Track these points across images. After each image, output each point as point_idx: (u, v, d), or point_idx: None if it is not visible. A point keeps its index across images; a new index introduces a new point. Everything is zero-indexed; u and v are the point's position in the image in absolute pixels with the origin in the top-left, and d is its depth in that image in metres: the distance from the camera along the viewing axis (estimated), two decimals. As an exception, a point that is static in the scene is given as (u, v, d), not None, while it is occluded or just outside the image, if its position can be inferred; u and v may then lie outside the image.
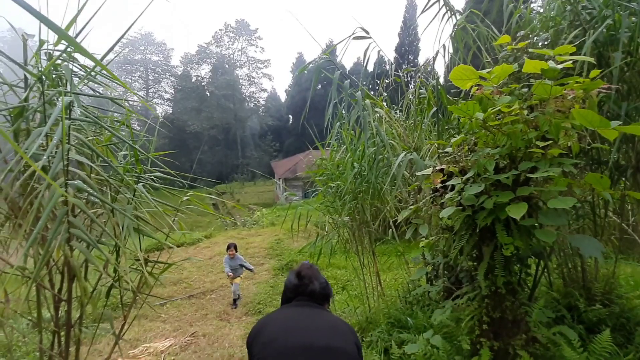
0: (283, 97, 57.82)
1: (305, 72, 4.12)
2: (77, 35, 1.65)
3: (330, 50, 3.30)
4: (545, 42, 2.86)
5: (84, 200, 1.59)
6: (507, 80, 2.30)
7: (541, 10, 3.33)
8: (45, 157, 1.41)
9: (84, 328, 1.85)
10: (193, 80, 50.41)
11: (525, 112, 1.79)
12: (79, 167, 1.60)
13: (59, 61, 1.68)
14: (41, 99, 1.60)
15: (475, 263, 2.33)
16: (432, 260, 3.13)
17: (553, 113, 1.69)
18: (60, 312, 1.86)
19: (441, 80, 4.43)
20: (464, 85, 2.05)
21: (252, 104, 54.11)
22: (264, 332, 1.45)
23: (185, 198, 2.15)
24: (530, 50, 2.05)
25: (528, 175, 1.74)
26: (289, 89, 52.65)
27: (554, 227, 2.04)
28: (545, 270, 3.12)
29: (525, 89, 1.95)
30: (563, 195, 1.71)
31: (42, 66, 1.90)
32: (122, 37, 1.53)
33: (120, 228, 1.62)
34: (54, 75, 1.80)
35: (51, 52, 1.97)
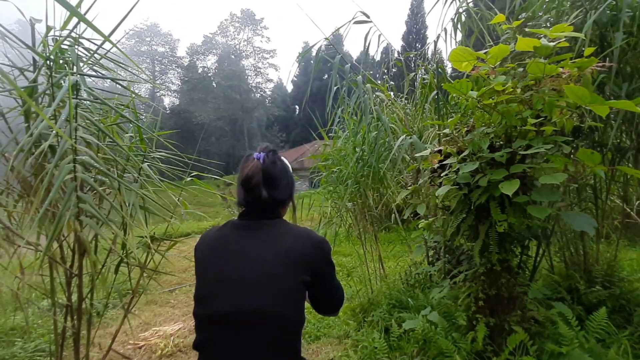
0: (289, 87, 57.66)
1: (311, 61, 4.13)
2: (86, 13, 1.70)
3: (332, 34, 3.32)
4: (548, 24, 2.85)
5: (92, 179, 1.66)
6: (510, 62, 2.32)
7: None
8: (52, 134, 1.48)
9: (95, 302, 1.94)
10: (199, 71, 50.46)
11: (519, 90, 1.82)
12: (86, 146, 1.67)
13: (65, 46, 1.74)
14: (49, 81, 1.67)
15: (472, 243, 2.37)
16: (431, 242, 3.18)
17: (548, 92, 1.71)
18: (72, 287, 1.95)
19: (448, 67, 4.44)
20: (462, 67, 2.07)
21: (259, 94, 54.06)
22: (196, 263, 1.21)
23: (188, 178, 2.22)
24: (526, 29, 2.05)
25: (522, 153, 1.78)
26: (295, 79, 52.40)
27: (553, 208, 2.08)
28: (547, 253, 3.15)
29: (521, 69, 1.97)
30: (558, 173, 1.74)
31: (49, 50, 1.97)
32: (126, 15, 1.58)
33: (127, 205, 1.70)
34: (61, 61, 1.87)
35: (58, 37, 2.03)
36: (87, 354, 2.07)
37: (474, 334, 2.17)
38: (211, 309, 1.11)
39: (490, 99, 1.86)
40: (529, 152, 1.69)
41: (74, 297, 2.00)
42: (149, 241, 1.77)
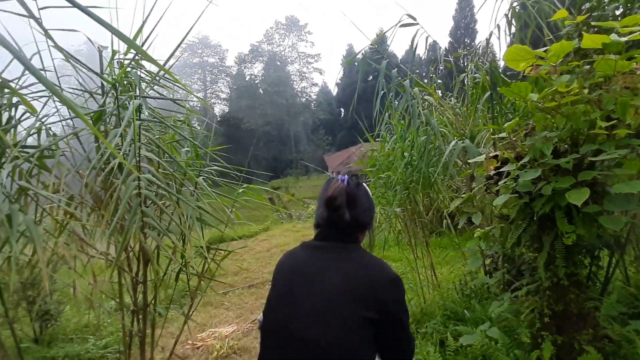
0: (334, 90, 57.92)
1: (355, 63, 4.12)
2: (143, 44, 1.83)
3: (377, 39, 3.28)
4: (617, 14, 2.60)
5: (154, 193, 1.78)
6: (572, 58, 2.14)
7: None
8: (121, 153, 1.60)
9: (158, 308, 2.07)
10: (247, 79, 52.39)
11: (587, 91, 1.67)
12: (148, 162, 1.80)
13: (128, 68, 1.88)
14: (115, 103, 1.81)
15: (535, 253, 2.21)
16: (489, 252, 3.01)
17: (619, 90, 1.55)
18: (137, 293, 2.10)
19: (501, 64, 4.20)
20: (519, 67, 1.95)
21: (304, 98, 54.96)
22: (272, 283, 1.24)
23: (240, 190, 2.30)
24: (593, 23, 1.88)
25: (591, 159, 1.62)
26: (340, 82, 52.52)
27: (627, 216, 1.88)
28: (621, 263, 2.86)
29: (588, 66, 1.80)
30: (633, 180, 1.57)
31: (115, 74, 2.14)
32: (180, 44, 1.69)
33: (185, 217, 1.80)
34: (125, 82, 2.02)
35: (122, 60, 2.21)
36: (152, 356, 2.21)
37: (539, 352, 2.01)
38: (270, 327, 1.14)
39: (553, 101, 1.72)
40: (599, 158, 1.54)
41: (140, 300, 2.16)
42: (205, 252, 1.86)
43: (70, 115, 1.89)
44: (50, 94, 1.97)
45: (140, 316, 2.05)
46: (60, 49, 1.12)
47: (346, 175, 1.23)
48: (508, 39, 3.30)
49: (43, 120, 1.87)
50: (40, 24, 1.00)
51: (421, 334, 2.99)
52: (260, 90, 50.53)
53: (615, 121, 1.57)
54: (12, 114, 1.91)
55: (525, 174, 1.77)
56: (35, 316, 3.93)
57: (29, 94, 1.93)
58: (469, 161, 2.44)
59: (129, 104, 1.76)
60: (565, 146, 1.84)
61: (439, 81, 4.34)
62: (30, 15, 0.87)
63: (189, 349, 4.19)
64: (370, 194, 1.30)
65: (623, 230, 2.37)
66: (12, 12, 1.44)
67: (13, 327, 1.97)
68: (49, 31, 1.12)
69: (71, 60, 1.58)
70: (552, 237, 1.89)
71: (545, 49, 1.87)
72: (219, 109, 53.85)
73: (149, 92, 2.01)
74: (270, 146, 49.20)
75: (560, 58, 1.83)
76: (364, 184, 1.29)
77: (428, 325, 3.00)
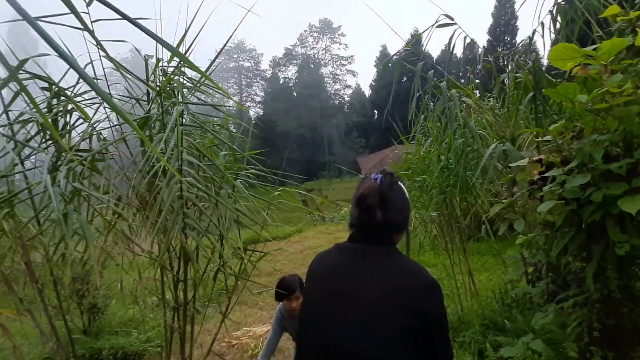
0: (367, 92, 57.59)
1: (390, 65, 4.08)
2: (186, 52, 1.91)
3: (413, 41, 3.23)
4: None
5: (194, 195, 1.86)
6: (625, 55, 2.00)
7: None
8: (165, 158, 1.68)
9: (197, 306, 2.15)
10: (281, 82, 53.25)
11: (642, 91, 1.56)
12: (189, 166, 1.88)
13: (172, 76, 1.97)
14: (159, 109, 1.91)
15: (583, 263, 2.09)
16: (531, 260, 2.87)
17: (681, 89, 1.43)
18: (178, 291, 2.19)
19: (544, 62, 4.00)
20: (566, 67, 1.85)
21: (337, 101, 55.07)
22: (305, 290, 1.21)
23: (276, 193, 2.35)
24: (651, 18, 1.75)
25: (647, 163, 1.51)
26: (373, 84, 52.12)
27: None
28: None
29: (644, 65, 1.68)
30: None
31: (159, 80, 2.25)
32: (219, 53, 1.75)
33: (223, 219, 1.86)
34: (168, 89, 2.12)
35: (165, 68, 2.32)
36: (191, 352, 2.30)
37: (587, 368, 1.90)
38: (307, 340, 1.11)
39: (604, 102, 1.62)
40: (658, 162, 1.44)
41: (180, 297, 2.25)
42: (242, 253, 1.91)
43: (119, 121, 2.01)
44: (101, 101, 2.11)
45: (181, 313, 2.14)
46: (113, 60, 1.20)
47: (380, 174, 1.18)
48: (552, 35, 3.14)
49: (95, 125, 1.99)
50: (94, 37, 1.07)
51: (458, 343, 2.90)
52: (294, 93, 51.18)
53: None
54: (67, 119, 2.06)
55: (573, 179, 1.68)
56: (84, 309, 4.19)
57: (81, 101, 2.08)
58: (511, 165, 2.34)
59: (171, 110, 1.85)
60: (618, 150, 1.73)
61: (477, 81, 4.20)
62: (86, 29, 0.93)
63: (224, 347, 4.31)
64: (407, 193, 1.24)
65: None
66: (69, 25, 1.56)
67: (66, 318, 2.11)
68: (100, 42, 1.20)
69: (121, 70, 1.68)
70: (602, 247, 1.78)
71: (594, 47, 1.77)
72: (254, 111, 55.10)
73: (190, 98, 2.10)
74: (303, 148, 49.62)
75: (612, 56, 1.72)
76: (399, 183, 1.22)
77: (466, 334, 2.90)
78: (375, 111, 52.34)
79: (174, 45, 2.07)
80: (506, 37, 38.49)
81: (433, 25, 2.97)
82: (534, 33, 3.01)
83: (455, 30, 3.03)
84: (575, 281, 2.35)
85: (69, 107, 1.97)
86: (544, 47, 3.15)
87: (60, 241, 1.62)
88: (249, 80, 56.34)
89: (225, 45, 1.73)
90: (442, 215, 3.68)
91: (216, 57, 1.78)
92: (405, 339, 1.00)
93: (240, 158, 2.34)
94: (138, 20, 0.83)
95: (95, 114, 2.02)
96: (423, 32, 2.99)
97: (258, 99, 56.62)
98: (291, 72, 55.43)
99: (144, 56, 2.05)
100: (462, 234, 3.76)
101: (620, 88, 1.55)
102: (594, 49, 1.74)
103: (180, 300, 2.16)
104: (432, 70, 2.94)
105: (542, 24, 2.98)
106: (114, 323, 4.64)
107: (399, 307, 1.01)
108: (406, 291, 1.03)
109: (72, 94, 1.94)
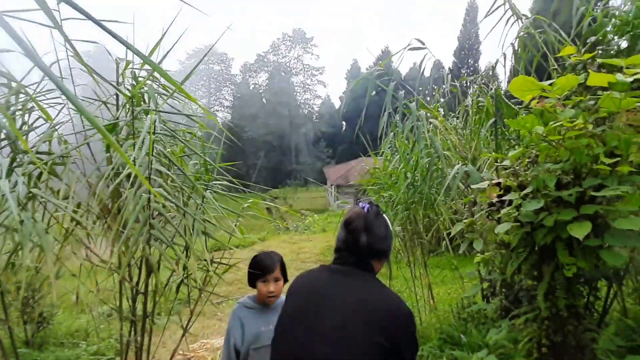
0: (337, 103, 58.40)
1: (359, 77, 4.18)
2: (160, 62, 1.87)
3: (386, 61, 3.34)
4: (621, 50, 2.66)
5: (161, 205, 1.80)
6: (577, 89, 2.19)
7: (617, 13, 3.09)
8: (136, 166, 1.62)
9: (155, 319, 2.06)
10: (251, 87, 52.82)
11: (591, 126, 1.71)
12: (158, 175, 1.82)
13: (145, 81, 1.91)
14: (129, 114, 1.85)
15: (535, 282, 2.22)
16: (487, 277, 3.01)
17: (623, 127, 1.59)
18: (137, 303, 2.10)
19: (503, 86, 4.26)
20: (525, 97, 1.99)
21: (307, 110, 55.41)
22: (283, 307, 1.27)
23: (246, 205, 2.32)
24: (599, 59, 1.93)
25: (594, 193, 1.65)
26: (343, 95, 52.95)
27: (627, 249, 1.90)
28: (619, 294, 2.87)
29: (592, 102, 1.85)
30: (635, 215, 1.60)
31: (127, 83, 2.18)
32: (200, 61, 1.72)
33: (190, 230, 1.81)
34: (139, 94, 2.06)
35: (134, 70, 2.25)
36: (146, 367, 2.20)
37: (535, 382, 2.01)
38: (283, 347, 1.16)
39: (558, 134, 1.76)
40: (602, 193, 1.57)
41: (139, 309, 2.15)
42: (209, 265, 1.87)
43: (83, 124, 1.92)
44: (64, 101, 2.01)
45: (139, 326, 2.05)
46: (82, 62, 1.15)
47: (367, 204, 1.28)
48: (510, 66, 3.36)
49: (57, 127, 1.89)
50: (65, 36, 1.03)
51: (417, 357, 2.97)
52: (264, 100, 50.91)
53: (619, 158, 1.61)
54: (26, 119, 1.94)
55: (528, 204, 1.80)
56: (28, 318, 3.90)
57: (43, 100, 1.96)
58: (472, 187, 2.47)
59: (142, 116, 1.79)
60: (568, 178, 1.88)
61: (442, 100, 4.40)
62: (57, 27, 0.89)
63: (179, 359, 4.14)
64: (390, 225, 1.32)
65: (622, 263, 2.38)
66: (38, 23, 1.48)
67: (12, 329, 1.95)
68: (70, 41, 1.15)
69: (92, 74, 1.61)
70: (552, 268, 1.91)
71: (550, 82, 1.92)
72: (222, 116, 54.13)
73: (162, 106, 2.05)
74: (270, 156, 49.30)
75: (566, 91, 1.88)
76: (384, 215, 1.31)
77: (424, 348, 2.98)
78: (344, 122, 53.14)
79: (146, 54, 2.02)
80: (470, 60, 40.61)
81: (405, 47, 3.09)
82: (496, 62, 3.21)
83: (426, 54, 3.17)
84: (526, 298, 2.49)
85: (29, 105, 1.86)
86: (505, 74, 3.37)
87: (15, 250, 1.51)
88: (218, 84, 55.41)
89: (205, 55, 1.70)
90: (405, 230, 3.78)
91: (192, 71, 1.74)
92: (376, 356, 1.05)
93: (211, 169, 2.30)
94: (110, 24, 0.82)
95: (57, 114, 1.92)
96: (396, 54, 3.11)
97: (227, 103, 55.79)
98: (262, 78, 55.24)
99: (115, 59, 1.98)
100: (424, 248, 3.88)
101: (572, 122, 1.69)
102: (550, 84, 1.88)
103: (137, 313, 2.07)
104: (403, 91, 3.05)
105: (505, 55, 3.19)
106: (60, 334, 4.33)
107: (373, 326, 1.06)
108: (383, 316, 1.09)
109: (34, 92, 1.84)
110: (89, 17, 0.82)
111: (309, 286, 1.22)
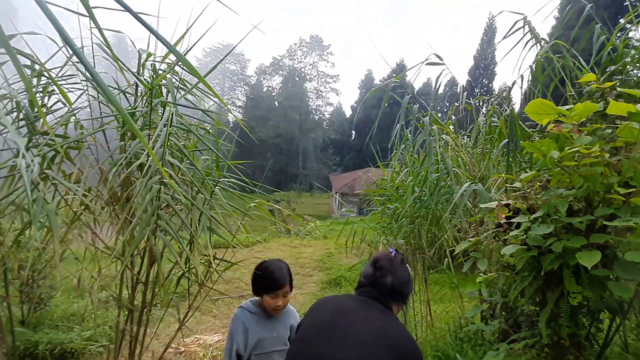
0: (348, 112, 58.62)
1: (372, 88, 4.18)
2: (185, 53, 1.89)
3: (402, 75, 3.35)
4: (640, 81, 2.64)
5: (170, 197, 1.81)
6: (592, 117, 2.17)
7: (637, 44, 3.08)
8: (144, 155, 1.64)
9: (154, 310, 2.06)
10: (264, 90, 53.23)
11: (607, 154, 1.69)
12: (170, 167, 1.83)
13: (166, 75, 1.94)
14: (146, 105, 1.87)
15: (537, 308, 2.19)
16: (489, 298, 2.97)
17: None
18: (136, 292, 2.10)
19: (517, 108, 4.25)
20: (541, 120, 1.98)
21: (317, 116, 55.63)
22: (305, 320, 1.38)
23: (252, 204, 2.33)
24: (618, 89, 1.92)
25: (605, 222, 1.63)
26: (355, 105, 53.12)
27: (634, 282, 1.86)
28: (621, 328, 2.82)
29: (609, 130, 1.84)
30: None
31: (146, 74, 2.20)
32: (222, 59, 1.74)
33: (197, 224, 1.81)
34: (158, 86, 2.08)
35: (154, 63, 2.27)
36: (140, 357, 2.19)
37: (531, 410, 1.97)
38: (306, 351, 1.24)
39: (573, 160, 1.75)
40: (614, 223, 1.55)
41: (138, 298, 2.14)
42: (212, 260, 1.87)
43: (101, 111, 1.95)
44: (85, 87, 2.04)
45: (137, 315, 2.05)
46: (112, 51, 1.17)
47: (394, 250, 1.47)
48: (526, 88, 3.35)
49: (75, 112, 1.92)
50: (97, 25, 1.04)
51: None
52: (276, 103, 51.24)
53: (633, 189, 1.59)
54: (45, 102, 1.97)
55: (537, 228, 1.78)
56: (26, 298, 3.92)
57: (64, 84, 1.99)
58: (480, 206, 2.45)
59: (159, 108, 1.81)
60: (580, 206, 1.86)
61: (453, 117, 4.40)
62: (90, 15, 0.91)
63: (171, 353, 4.12)
64: (411, 275, 1.47)
65: (628, 296, 2.34)
66: (68, 9, 1.51)
67: (11, 307, 1.96)
68: (102, 30, 1.16)
69: (118, 61, 1.63)
70: (557, 294, 1.88)
71: (568, 107, 1.91)
72: (233, 115, 54.48)
73: (181, 99, 2.07)
74: (278, 158, 49.45)
75: (584, 118, 1.86)
76: (407, 265, 1.47)
77: (418, 364, 2.94)
78: (354, 131, 53.24)
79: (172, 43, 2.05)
80: (484, 80, 40.59)
81: (423, 62, 3.10)
82: (513, 84, 3.21)
83: (443, 70, 3.18)
84: (526, 323, 2.46)
85: (49, 89, 1.89)
86: (521, 96, 3.36)
87: (24, 228, 1.52)
88: (232, 83, 55.99)
89: (228, 53, 1.73)
90: (408, 243, 3.76)
91: (215, 66, 1.77)
92: None
93: (222, 165, 2.31)
94: (140, 15, 0.83)
95: (77, 99, 1.94)
96: (412, 68, 3.12)
97: (239, 103, 56.25)
98: (276, 81, 55.69)
99: (138, 50, 2.01)
100: (425, 264, 3.86)
101: (589, 150, 1.68)
102: (568, 109, 1.87)
103: (136, 302, 2.07)
104: (417, 105, 3.05)
105: (522, 76, 3.19)
106: (56, 316, 4.35)
107: (388, 352, 1.17)
108: (399, 345, 1.20)
109: (56, 76, 1.86)
110: (126, 8, 0.84)
111: (336, 305, 1.34)
